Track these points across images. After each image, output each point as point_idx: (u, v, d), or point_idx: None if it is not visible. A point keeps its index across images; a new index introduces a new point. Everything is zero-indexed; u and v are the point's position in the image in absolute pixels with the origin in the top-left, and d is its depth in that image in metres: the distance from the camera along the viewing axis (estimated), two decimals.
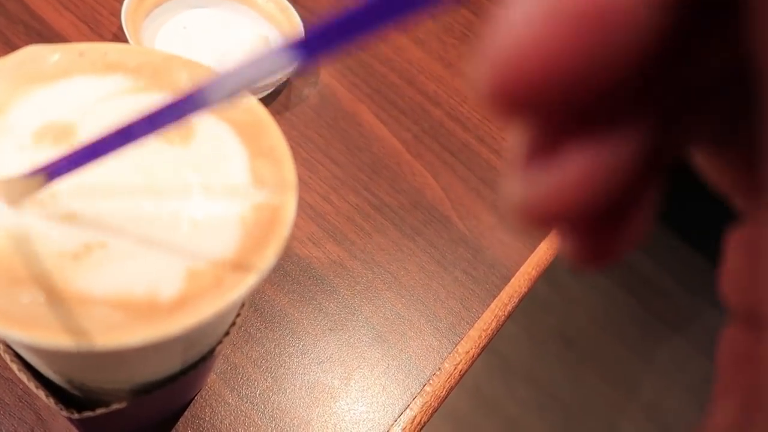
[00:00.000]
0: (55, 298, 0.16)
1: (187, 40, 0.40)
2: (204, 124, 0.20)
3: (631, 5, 0.06)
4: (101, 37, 0.39)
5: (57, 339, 0.15)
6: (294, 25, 0.41)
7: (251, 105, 0.21)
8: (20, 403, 0.25)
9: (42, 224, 0.16)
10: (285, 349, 0.30)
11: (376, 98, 0.42)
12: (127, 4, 0.37)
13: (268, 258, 0.18)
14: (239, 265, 0.17)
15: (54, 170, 0.15)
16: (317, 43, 0.09)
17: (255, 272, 0.17)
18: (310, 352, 0.30)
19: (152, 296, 0.16)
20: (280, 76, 0.12)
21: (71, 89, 0.19)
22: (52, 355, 0.18)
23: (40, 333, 0.15)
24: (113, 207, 0.17)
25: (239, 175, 0.19)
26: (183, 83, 0.21)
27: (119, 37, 0.40)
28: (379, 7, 0.08)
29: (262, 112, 0.21)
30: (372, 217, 0.36)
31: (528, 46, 0.06)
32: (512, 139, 0.07)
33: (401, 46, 0.47)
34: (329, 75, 0.43)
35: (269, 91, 0.40)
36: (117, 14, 0.40)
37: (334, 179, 0.37)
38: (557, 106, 0.06)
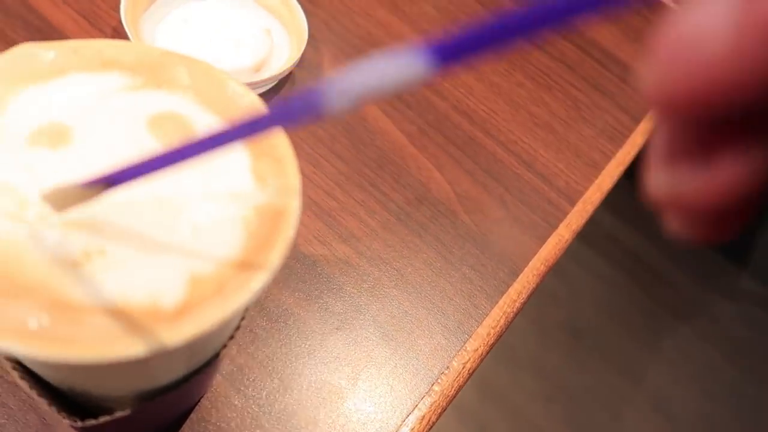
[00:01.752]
0: (54, 308, 0.15)
1: (188, 34, 0.39)
2: (203, 122, 0.20)
3: None
4: (101, 32, 0.38)
5: (55, 351, 0.14)
6: (296, 16, 0.41)
7: (252, 102, 0.20)
8: (24, 407, 0.25)
9: (39, 232, 0.16)
10: (291, 349, 0.30)
11: None
12: None
13: (272, 261, 0.17)
14: (243, 269, 0.17)
15: (112, 180, 0.14)
16: (454, 49, 0.08)
17: (260, 276, 0.17)
18: (316, 352, 0.30)
19: (154, 304, 0.16)
20: (409, 85, 0.10)
21: (67, 88, 0.19)
22: (52, 366, 0.17)
23: (38, 345, 0.14)
24: (112, 212, 0.17)
25: (241, 175, 0.19)
26: (181, 80, 0.21)
27: (119, 31, 0.39)
28: (525, 19, 0.07)
29: (263, 108, 0.20)
30: (377, 213, 0.36)
31: (716, 60, 0.06)
32: (655, 133, 0.08)
33: (406, 37, 0.46)
34: (333, 67, 0.42)
35: (271, 85, 0.40)
36: (116, 8, 0.40)
37: (338, 175, 0.36)
38: (722, 115, 0.07)
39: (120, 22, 0.36)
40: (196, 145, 0.12)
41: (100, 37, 0.38)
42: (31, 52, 0.19)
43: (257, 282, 0.17)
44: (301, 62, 0.41)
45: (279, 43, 0.41)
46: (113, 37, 0.39)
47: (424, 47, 0.08)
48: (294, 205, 0.18)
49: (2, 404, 0.25)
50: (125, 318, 0.15)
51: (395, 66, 0.08)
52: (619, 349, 1.22)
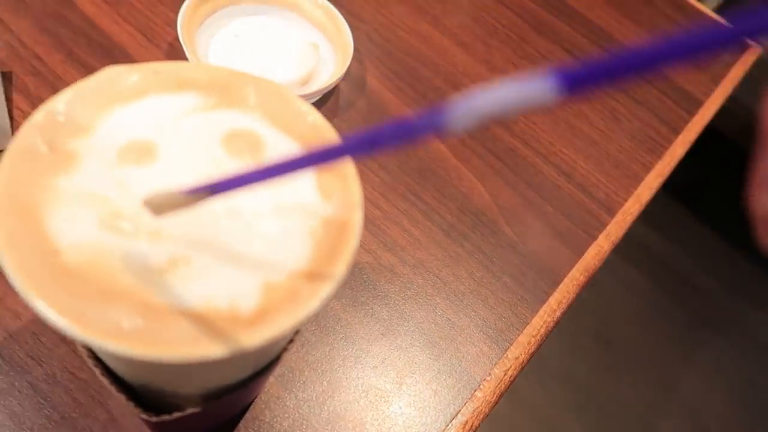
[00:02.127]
0: (145, 311, 0.16)
1: (239, 48, 0.41)
2: (272, 139, 0.21)
3: None
4: (157, 47, 0.40)
5: (146, 350, 0.16)
6: (342, 31, 0.42)
7: (315, 120, 0.22)
8: (94, 403, 0.27)
9: (130, 240, 0.17)
10: (339, 353, 0.31)
11: (423, 102, 0.43)
12: (182, 15, 0.38)
13: (339, 270, 0.18)
14: (312, 278, 0.18)
15: (211, 189, 0.16)
16: (580, 79, 0.08)
17: (328, 285, 0.18)
18: (363, 356, 0.31)
19: (233, 310, 0.17)
20: (532, 108, 0.10)
21: (149, 108, 0.20)
22: (138, 364, 0.19)
23: (130, 344, 0.16)
24: (193, 223, 0.18)
25: (307, 189, 0.20)
26: (250, 99, 0.22)
27: (174, 46, 0.41)
28: (654, 54, 0.08)
29: (327, 127, 0.21)
30: (420, 222, 0.37)
31: None
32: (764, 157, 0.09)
33: (446, 50, 0.47)
34: (376, 80, 0.43)
35: (317, 98, 0.41)
36: (172, 24, 0.42)
37: (383, 185, 0.38)
38: None
39: (176, 38, 0.38)
40: (307, 159, 0.13)
41: (157, 51, 0.40)
42: (116, 75, 0.21)
43: (326, 290, 0.18)
44: (346, 75, 0.43)
45: (325, 57, 0.42)
46: (169, 51, 0.41)
47: (553, 74, 0.09)
48: (357, 218, 0.20)
49: (74, 399, 0.26)
50: (207, 322, 0.17)
51: (523, 90, 0.09)
52: (651, 359, 1.21)
